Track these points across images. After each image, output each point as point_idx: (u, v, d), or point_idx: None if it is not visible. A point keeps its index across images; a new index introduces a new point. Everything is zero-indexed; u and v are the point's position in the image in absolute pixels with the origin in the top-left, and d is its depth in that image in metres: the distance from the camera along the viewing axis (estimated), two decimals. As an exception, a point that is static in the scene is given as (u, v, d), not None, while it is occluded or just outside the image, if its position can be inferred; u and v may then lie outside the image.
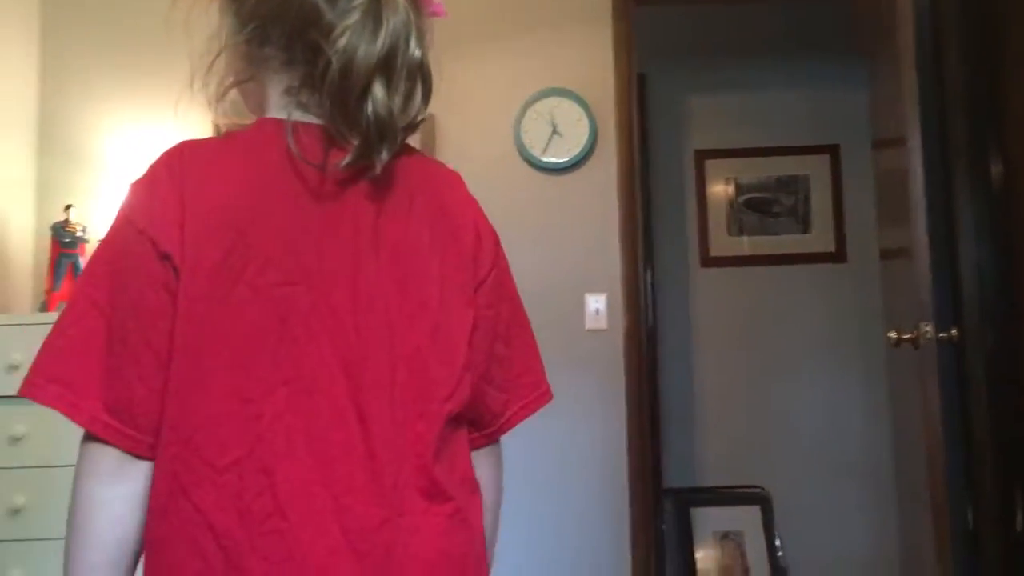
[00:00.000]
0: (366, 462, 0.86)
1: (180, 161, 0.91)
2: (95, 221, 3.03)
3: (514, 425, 1.04)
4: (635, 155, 3.25)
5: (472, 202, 1.01)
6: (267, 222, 0.88)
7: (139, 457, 0.87)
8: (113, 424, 0.86)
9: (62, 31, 3.29)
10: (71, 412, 0.86)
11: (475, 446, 1.00)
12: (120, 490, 0.86)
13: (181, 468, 0.85)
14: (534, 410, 1.05)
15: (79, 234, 2.96)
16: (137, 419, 0.86)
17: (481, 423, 1.01)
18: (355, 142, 0.90)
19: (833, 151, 4.23)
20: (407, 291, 0.91)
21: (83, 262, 2.93)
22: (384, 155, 0.90)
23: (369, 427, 0.87)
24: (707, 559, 3.86)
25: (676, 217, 4.26)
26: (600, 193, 3.18)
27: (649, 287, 3.94)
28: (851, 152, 4.17)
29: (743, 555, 3.85)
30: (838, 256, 4.19)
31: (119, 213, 0.91)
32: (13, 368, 2.56)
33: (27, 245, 3.16)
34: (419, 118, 0.94)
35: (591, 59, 3.23)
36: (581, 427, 3.05)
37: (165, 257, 0.86)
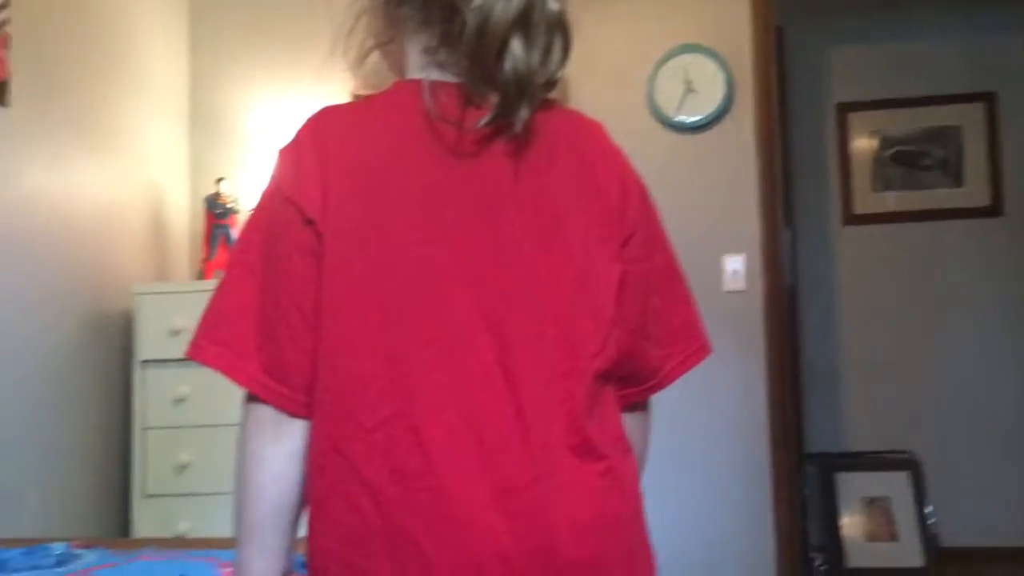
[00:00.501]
0: (514, 420, 0.85)
1: (321, 127, 0.93)
2: (245, 193, 3.18)
3: (673, 380, 1.00)
4: (774, 111, 3.15)
5: (616, 153, 0.98)
6: (406, 182, 0.89)
7: (294, 416, 0.90)
8: (269, 384, 0.89)
9: (209, 11, 3.43)
10: (231, 372, 0.90)
11: (630, 402, 0.98)
12: (278, 447, 0.90)
13: (334, 426, 0.87)
14: (693, 364, 1.01)
15: (230, 205, 3.10)
16: (290, 379, 0.89)
17: (638, 379, 0.98)
18: (494, 100, 0.89)
19: (989, 99, 3.98)
20: (551, 247, 0.89)
21: (234, 232, 3.08)
22: (524, 112, 0.89)
23: (516, 384, 0.86)
24: (853, 525, 3.76)
25: (817, 174, 4.12)
26: (737, 151, 3.11)
27: (789, 247, 3.83)
28: (1009, 100, 3.92)
29: (891, 521, 3.73)
30: (994, 210, 3.96)
31: (269, 181, 0.94)
32: (174, 333, 2.72)
33: (183, 217, 3.34)
34: (558, 73, 0.93)
35: (726, 13, 3.14)
36: (720, 391, 3.01)
37: (309, 222, 0.88)
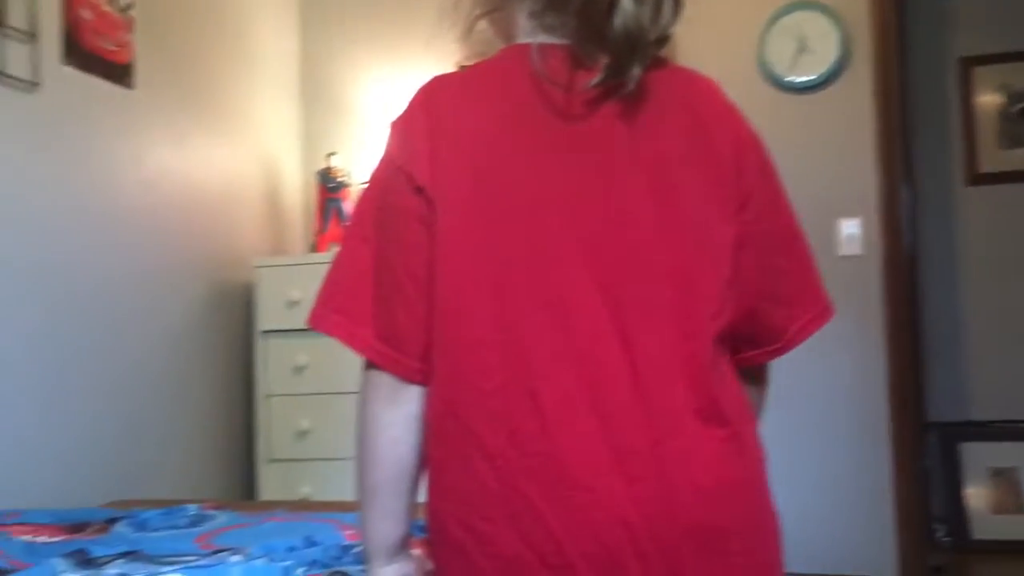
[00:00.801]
0: (631, 383, 0.85)
1: (430, 97, 0.93)
2: (356, 167, 3.24)
3: (799, 342, 0.97)
4: (892, 68, 3.03)
5: (732, 111, 0.95)
6: (516, 147, 0.89)
7: (409, 382, 0.91)
8: (384, 351, 0.90)
9: (318, -11, 3.50)
10: (349, 339, 0.92)
11: (752, 364, 0.97)
12: (395, 413, 0.91)
13: (451, 391, 0.89)
14: (819, 326, 0.98)
15: (342, 179, 3.18)
16: (405, 345, 0.89)
17: (763, 340, 0.96)
18: (604, 60, 0.88)
19: None
20: (665, 208, 0.88)
21: (346, 205, 3.16)
22: (635, 71, 0.87)
23: (633, 348, 0.85)
24: (978, 496, 3.62)
25: (938, 132, 3.93)
26: (852, 111, 2.99)
27: (909, 209, 3.68)
28: None
29: (1019, 493, 3.58)
30: None
31: (382, 153, 0.95)
32: (292, 304, 2.82)
33: (297, 192, 3.44)
34: (670, 29, 0.90)
35: (841, -33, 3.02)
36: (836, 358, 2.93)
37: (419, 190, 0.89)
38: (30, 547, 1.50)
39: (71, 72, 2.33)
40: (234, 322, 2.99)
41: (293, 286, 2.84)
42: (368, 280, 0.92)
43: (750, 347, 0.96)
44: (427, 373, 0.90)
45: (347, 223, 0.95)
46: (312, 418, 2.81)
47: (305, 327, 2.85)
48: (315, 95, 3.49)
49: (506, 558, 0.84)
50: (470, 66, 0.98)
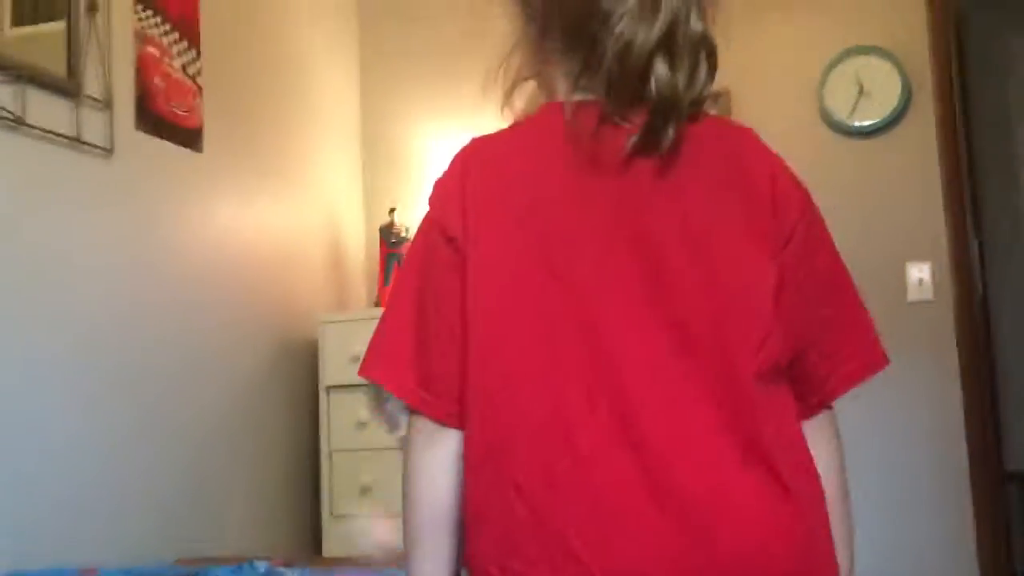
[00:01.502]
0: (669, 424, 0.85)
1: (467, 154, 0.98)
2: (417, 221, 3.28)
3: (839, 394, 0.96)
4: (956, 110, 2.98)
5: (769, 155, 0.95)
6: (550, 199, 0.92)
7: (445, 425, 0.94)
8: (422, 395, 0.93)
9: (378, 48, 3.59)
10: (389, 385, 0.97)
11: (800, 418, 0.95)
12: (432, 455, 0.94)
13: (486, 432, 0.90)
14: (863, 377, 0.96)
15: (403, 235, 3.22)
16: (441, 390, 0.93)
17: (803, 391, 0.95)
18: (639, 118, 0.90)
19: None
20: (701, 254, 0.89)
21: (408, 260, 3.19)
22: (670, 132, 0.89)
23: (671, 389, 0.86)
24: (1064, 550, 3.46)
25: (1005, 174, 3.85)
26: (917, 153, 2.95)
27: (978, 252, 3.60)
28: None
29: (1110, 547, 3.41)
30: None
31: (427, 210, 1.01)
32: (356, 359, 2.83)
33: (359, 247, 3.49)
34: (705, 92, 0.92)
35: (899, 9, 2.99)
36: (908, 406, 2.84)
37: (452, 242, 0.93)
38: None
39: (143, 137, 2.42)
40: (299, 377, 3.02)
41: (357, 341, 2.86)
42: (410, 329, 0.95)
43: (798, 399, 0.95)
44: (464, 417, 0.93)
45: (396, 275, 0.99)
46: (374, 473, 2.81)
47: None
48: (376, 152, 3.56)
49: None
50: (511, 125, 1.01)
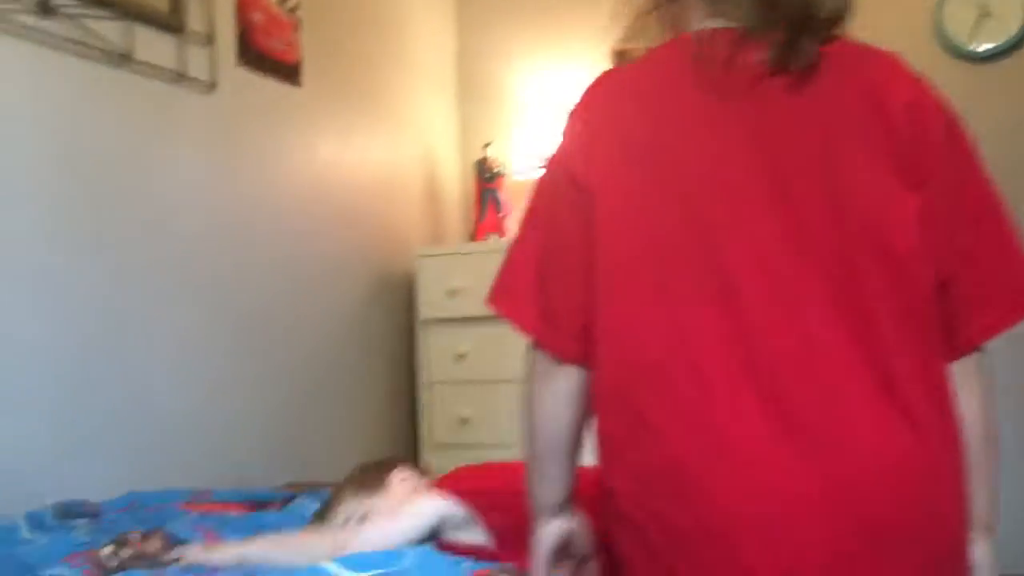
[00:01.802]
0: (798, 358, 0.83)
1: (594, 91, 0.98)
2: (511, 157, 3.26)
3: (985, 339, 0.91)
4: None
5: (910, 81, 0.91)
6: (678, 132, 0.90)
7: (566, 361, 0.96)
8: (543, 330, 0.96)
9: (472, -19, 3.54)
10: (514, 319, 0.99)
11: (947, 358, 0.90)
12: (550, 389, 0.97)
13: (617, 371, 0.91)
14: (1008, 323, 0.90)
15: (497, 170, 3.20)
16: (562, 326, 0.95)
17: (948, 331, 0.90)
18: (775, 38, 0.88)
19: None
20: (834, 183, 0.86)
21: (502, 195, 3.18)
22: (806, 47, 0.87)
23: (797, 322, 0.84)
24: None
25: None
26: (1041, 78, 2.77)
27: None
28: None
29: None
30: None
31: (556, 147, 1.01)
32: (452, 293, 2.86)
33: (454, 182, 3.49)
34: (844, 9, 0.90)
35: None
36: None
37: (577, 182, 0.93)
38: (222, 522, 1.58)
39: (244, 72, 2.45)
40: (397, 310, 3.07)
41: (452, 275, 2.88)
42: (533, 265, 0.97)
43: (944, 339, 0.90)
44: (585, 353, 0.94)
45: (524, 210, 1.03)
46: (473, 406, 2.85)
47: (465, 316, 2.89)
48: (471, 87, 3.54)
49: (677, 530, 0.85)
50: (636, 60, 1.00)
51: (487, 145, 3.23)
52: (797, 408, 0.83)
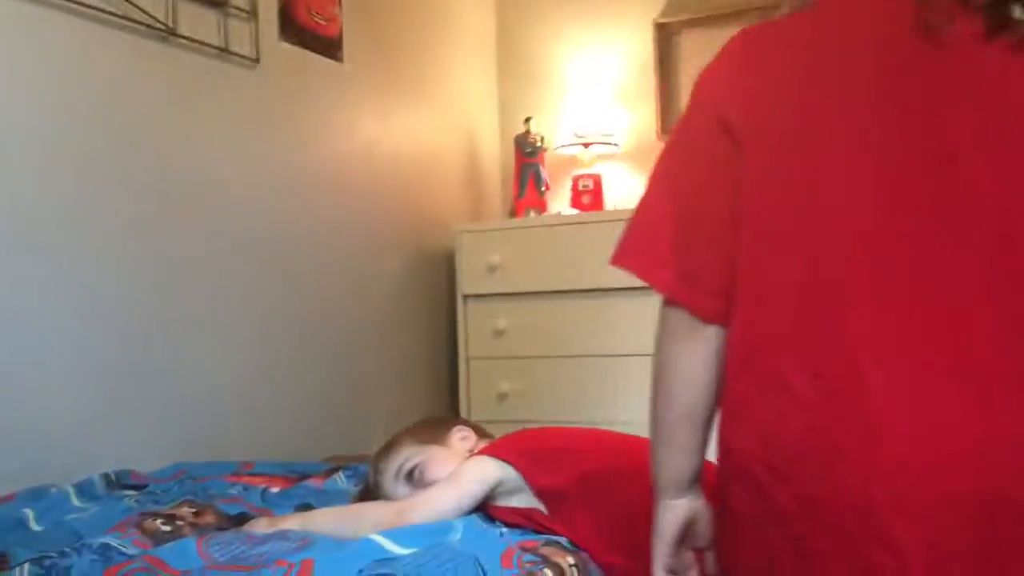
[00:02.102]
0: (945, 330, 0.79)
1: (745, 42, 0.93)
2: (551, 131, 3.24)
3: None
4: None
5: None
6: (842, 88, 0.85)
7: (707, 321, 0.91)
8: (682, 289, 0.91)
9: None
10: (647, 277, 0.94)
11: None
12: (692, 350, 0.92)
13: (753, 330, 0.88)
14: None
15: (538, 144, 3.18)
16: (704, 284, 0.90)
17: None
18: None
19: None
20: (1009, 157, 0.80)
21: (543, 170, 3.16)
22: (1016, 12, 0.80)
23: (948, 293, 0.79)
24: None
25: None
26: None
27: None
28: None
29: None
30: None
31: (690, 97, 0.95)
32: (492, 269, 2.86)
33: (494, 158, 3.48)
34: None
35: None
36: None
37: (727, 132, 0.88)
38: (265, 495, 1.59)
39: (287, 47, 2.45)
40: (437, 286, 3.07)
41: (492, 251, 2.88)
42: (669, 221, 0.93)
43: None
44: (726, 313, 0.90)
45: (654, 165, 0.98)
46: (512, 381, 2.84)
47: (505, 292, 2.86)
48: (511, 62, 3.51)
49: (811, 499, 0.82)
50: (785, 15, 0.94)
51: (528, 119, 3.21)
52: (947, 388, 0.79)
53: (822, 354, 0.82)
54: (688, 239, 0.91)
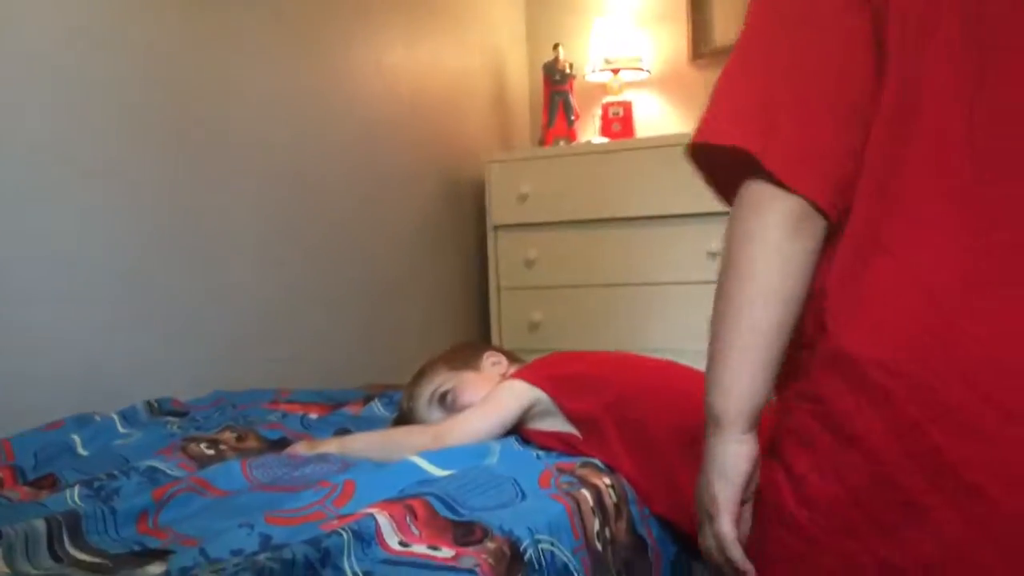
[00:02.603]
0: None
1: None
2: (580, 59, 3.19)
3: None
4: None
5: None
6: None
7: (822, 213, 0.78)
8: (800, 171, 0.78)
9: None
10: (753, 147, 0.78)
11: None
12: (799, 245, 0.78)
13: (875, 230, 0.78)
14: None
15: (567, 71, 3.13)
16: (824, 172, 0.78)
17: None
18: None
19: None
20: None
21: (572, 98, 3.12)
22: None
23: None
24: None
25: None
26: None
27: None
28: None
29: None
30: None
31: None
32: (522, 198, 2.85)
33: (523, 86, 3.44)
34: None
35: None
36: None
37: (867, 3, 0.78)
38: (304, 421, 1.62)
39: (312, -26, 2.42)
40: (467, 217, 3.07)
41: (523, 181, 2.86)
42: (772, 92, 0.79)
43: None
44: (843, 212, 0.79)
45: (739, 38, 0.84)
46: (543, 310, 2.85)
47: (535, 221, 2.84)
48: (538, -14, 3.45)
49: (949, 407, 0.72)
50: None
51: (556, 46, 3.15)
52: None
53: (942, 246, 0.77)
54: (811, 115, 0.78)
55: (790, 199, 0.78)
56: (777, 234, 0.78)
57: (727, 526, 0.82)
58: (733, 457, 0.82)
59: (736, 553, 0.83)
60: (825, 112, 0.78)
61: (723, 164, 0.82)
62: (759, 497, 0.85)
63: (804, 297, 0.79)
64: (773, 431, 0.85)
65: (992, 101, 0.77)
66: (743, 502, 0.84)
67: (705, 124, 0.82)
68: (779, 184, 0.77)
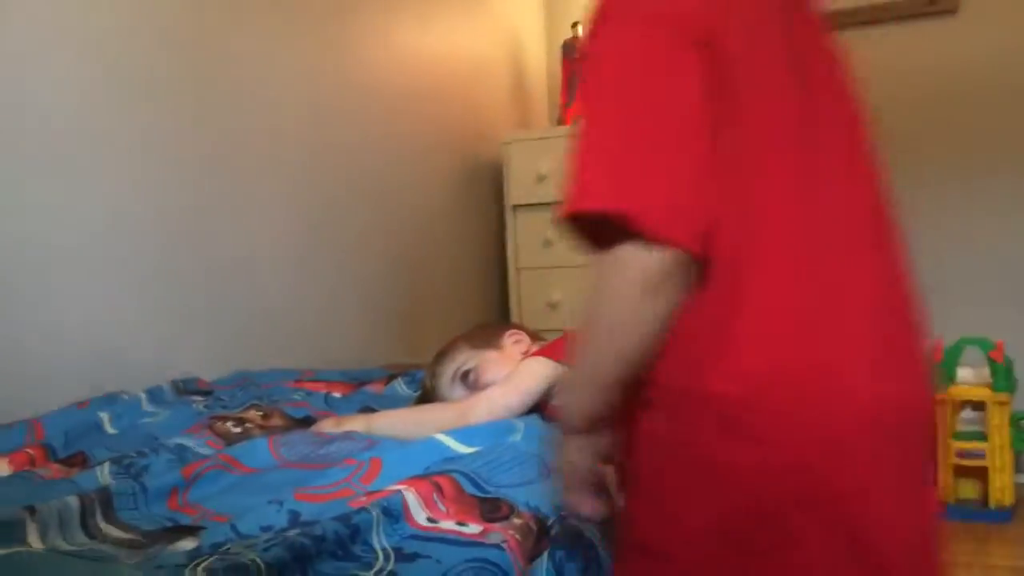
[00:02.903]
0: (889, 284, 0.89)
1: None
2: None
3: None
4: None
5: None
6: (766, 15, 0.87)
7: (695, 259, 0.80)
8: (673, 225, 0.79)
9: None
10: (633, 208, 0.78)
11: None
12: (663, 300, 0.81)
13: (734, 271, 0.82)
14: None
15: (586, 50, 3.11)
16: (695, 221, 0.79)
17: None
18: None
19: None
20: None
21: (591, 77, 3.10)
22: None
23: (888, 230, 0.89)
24: None
25: None
26: None
27: None
28: None
29: None
30: None
31: (631, 10, 0.83)
32: (541, 178, 2.84)
33: (541, 66, 3.42)
34: None
35: None
36: None
37: (704, 44, 0.80)
38: (328, 399, 1.64)
39: (330, -46, 2.41)
40: (485, 197, 3.07)
41: (541, 160, 2.86)
42: (631, 149, 0.81)
43: None
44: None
45: (586, 98, 0.88)
46: (562, 290, 2.86)
47: (554, 201, 2.83)
48: (556, -36, 3.43)
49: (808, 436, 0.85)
50: None
51: (575, 24, 3.14)
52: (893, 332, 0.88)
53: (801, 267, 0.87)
54: (666, 165, 0.80)
55: (660, 253, 0.78)
56: (636, 292, 0.81)
57: (573, 495, 0.93)
58: (576, 452, 0.91)
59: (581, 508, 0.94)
60: (685, 163, 0.79)
61: (592, 224, 0.83)
62: (623, 531, 0.93)
63: (657, 347, 0.83)
64: (637, 466, 0.91)
65: (815, 151, 0.86)
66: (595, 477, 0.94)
67: (575, 192, 0.83)
68: (649, 241, 0.78)
